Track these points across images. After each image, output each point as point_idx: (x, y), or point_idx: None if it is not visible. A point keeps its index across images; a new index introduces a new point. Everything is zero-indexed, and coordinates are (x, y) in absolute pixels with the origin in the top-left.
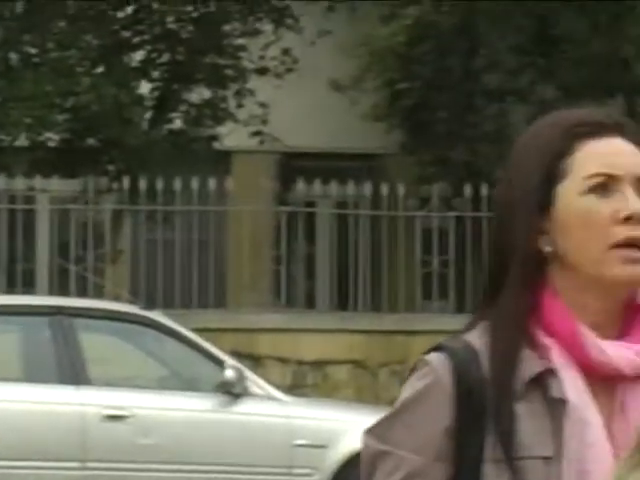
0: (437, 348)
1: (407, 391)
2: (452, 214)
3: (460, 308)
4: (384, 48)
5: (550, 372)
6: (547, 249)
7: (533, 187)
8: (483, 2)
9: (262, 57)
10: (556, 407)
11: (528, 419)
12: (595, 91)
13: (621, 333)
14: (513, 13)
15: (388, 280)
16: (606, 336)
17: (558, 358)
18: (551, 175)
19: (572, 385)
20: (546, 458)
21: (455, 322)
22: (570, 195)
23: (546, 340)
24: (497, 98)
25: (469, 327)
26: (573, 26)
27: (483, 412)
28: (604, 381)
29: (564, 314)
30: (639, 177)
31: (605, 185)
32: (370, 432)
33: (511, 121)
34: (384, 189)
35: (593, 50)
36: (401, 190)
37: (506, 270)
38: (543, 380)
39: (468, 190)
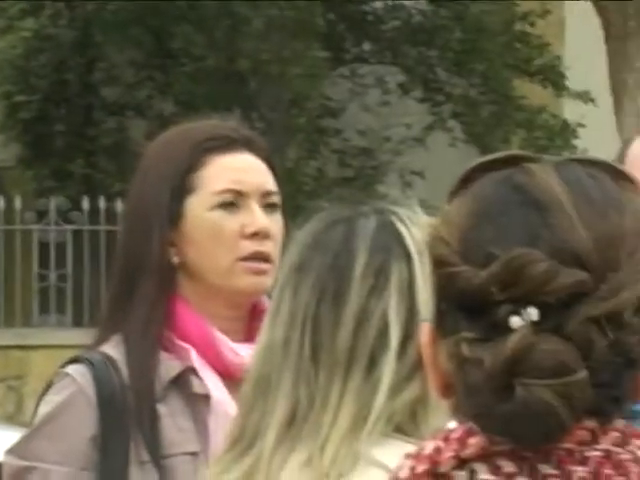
0: (74, 360)
1: (47, 405)
2: (70, 227)
3: (78, 322)
4: (1, 60)
5: (191, 371)
6: (175, 260)
7: (163, 200)
8: (101, 14)
9: None
10: (199, 403)
11: (171, 418)
12: (213, 105)
13: (245, 337)
14: (131, 27)
15: (5, 294)
16: (234, 341)
17: (196, 360)
18: (180, 189)
19: (212, 382)
20: (193, 453)
21: (73, 336)
22: (199, 209)
23: (185, 345)
24: (116, 112)
25: (100, 340)
26: (190, 40)
27: (126, 417)
28: (238, 382)
29: (197, 321)
30: (265, 193)
31: (233, 201)
32: (10, 451)
33: (130, 135)
34: (0, 202)
35: (210, 64)
36: (18, 203)
37: (136, 281)
38: (184, 379)
39: (86, 204)
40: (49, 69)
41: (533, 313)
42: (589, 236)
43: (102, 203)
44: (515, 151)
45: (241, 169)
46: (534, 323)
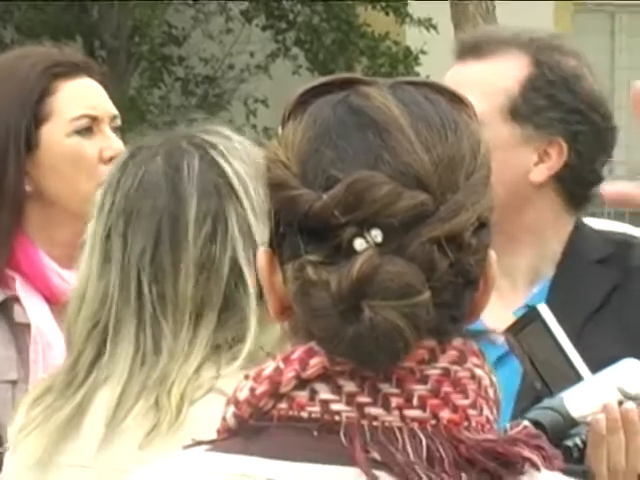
0: None
1: None
2: None
3: None
4: None
5: (14, 300)
6: (28, 189)
7: (19, 128)
8: None
9: None
10: (22, 332)
11: None
12: (54, 33)
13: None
14: None
15: None
16: (66, 267)
17: (22, 288)
18: (34, 116)
19: (36, 311)
20: (12, 382)
21: None
22: (57, 136)
23: (10, 273)
24: None
25: None
26: None
27: None
28: (65, 307)
29: (28, 248)
30: (113, 116)
31: (90, 126)
32: None
33: None
34: None
35: None
36: None
37: None
38: (8, 308)
39: None
40: None
41: (377, 235)
42: (429, 158)
43: None
44: (349, 74)
45: (91, 94)
46: (378, 245)
